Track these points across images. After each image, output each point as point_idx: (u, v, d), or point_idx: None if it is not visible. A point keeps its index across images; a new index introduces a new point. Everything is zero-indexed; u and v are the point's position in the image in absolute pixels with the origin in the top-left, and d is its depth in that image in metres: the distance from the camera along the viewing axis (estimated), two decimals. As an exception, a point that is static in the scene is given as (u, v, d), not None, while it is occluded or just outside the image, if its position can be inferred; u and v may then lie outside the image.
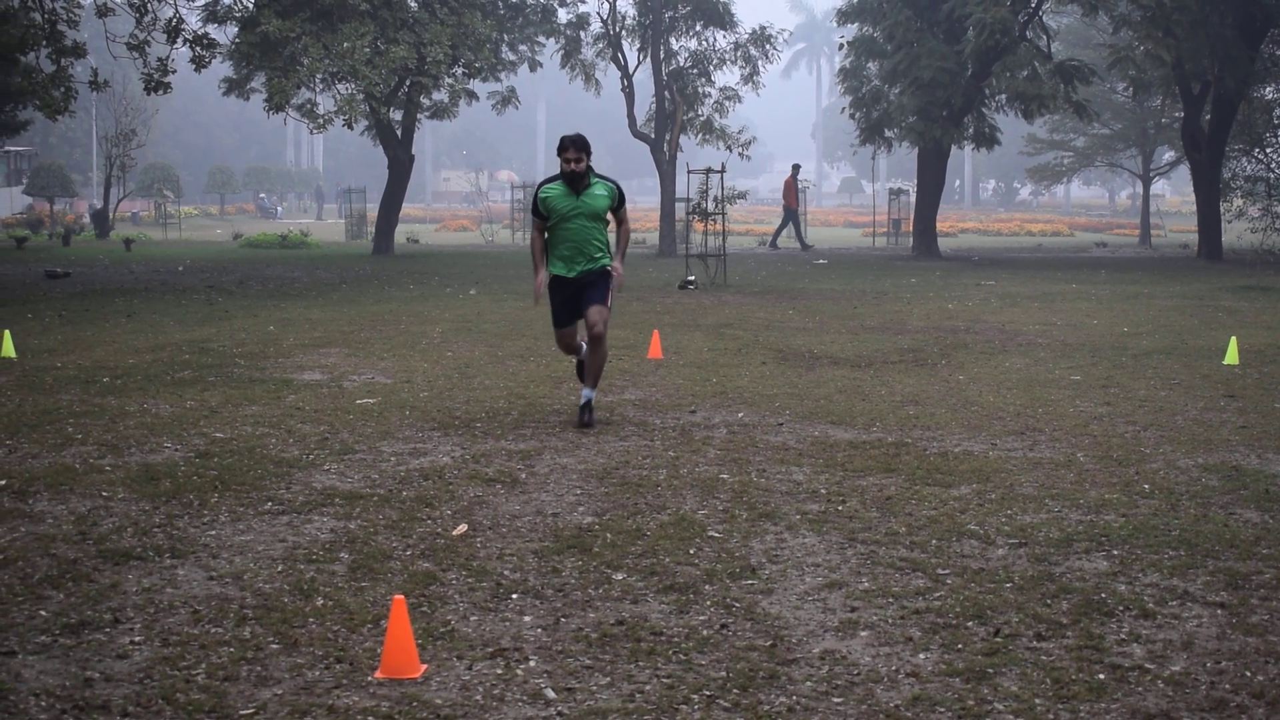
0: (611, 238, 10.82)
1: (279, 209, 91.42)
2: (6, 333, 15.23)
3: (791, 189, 43.24)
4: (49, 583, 6.29)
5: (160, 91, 29.93)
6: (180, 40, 30.40)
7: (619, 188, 10.64)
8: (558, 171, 10.50)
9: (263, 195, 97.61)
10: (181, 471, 8.77)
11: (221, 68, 38.36)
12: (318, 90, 36.16)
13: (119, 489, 8.27)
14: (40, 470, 8.79)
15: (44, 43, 28.78)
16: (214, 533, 7.25)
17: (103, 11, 28.89)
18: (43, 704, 4.86)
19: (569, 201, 10.39)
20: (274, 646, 5.47)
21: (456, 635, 5.65)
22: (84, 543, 7.01)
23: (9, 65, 31.15)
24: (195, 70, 31.51)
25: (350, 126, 32.37)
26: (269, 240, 46.74)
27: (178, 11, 30.13)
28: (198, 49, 30.50)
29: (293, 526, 7.42)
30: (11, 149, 63.25)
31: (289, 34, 29.39)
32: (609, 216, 10.65)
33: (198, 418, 10.86)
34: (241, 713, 4.81)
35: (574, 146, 10.31)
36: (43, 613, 5.85)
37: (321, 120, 31.85)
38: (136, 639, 5.54)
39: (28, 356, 14.70)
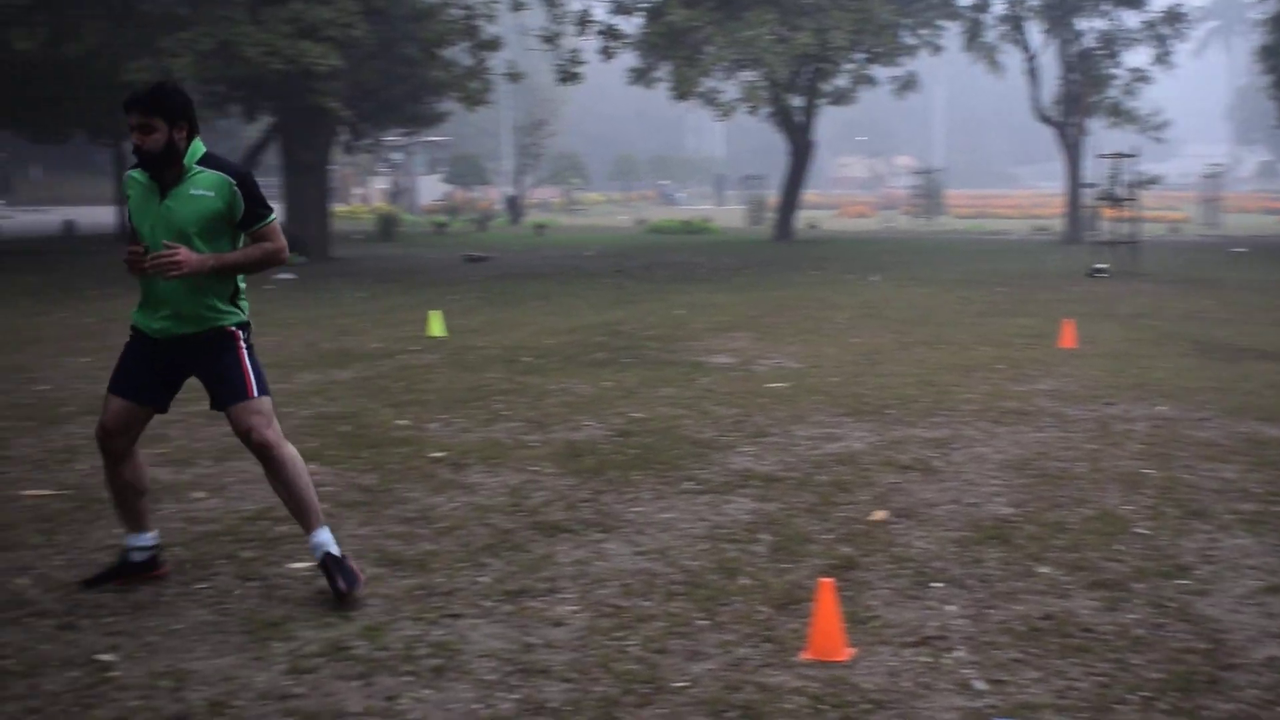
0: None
1: (680, 195, 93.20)
2: (439, 313, 16.08)
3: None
4: (488, 551, 6.60)
5: (571, 82, 30.94)
6: (590, 32, 31.39)
7: (244, 182, 5.86)
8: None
9: (664, 182, 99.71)
10: (603, 449, 9.05)
11: (626, 58, 39.33)
12: (721, 78, 36.63)
13: (546, 464, 8.60)
14: (473, 444, 9.23)
15: (463, 37, 30.17)
16: (638, 509, 7.45)
17: (517, 6, 30.06)
18: (489, 665, 5.10)
19: (148, 204, 5.85)
20: (701, 622, 5.58)
21: (881, 621, 5.64)
22: (517, 514, 7.32)
23: (430, 59, 32.73)
24: (603, 61, 32.47)
25: (754, 113, 32.70)
26: (672, 226, 47.73)
27: (587, 5, 31.06)
28: (606, 40, 31.45)
29: (713, 506, 7.55)
30: (431, 139, 66.49)
31: (694, 23, 29.89)
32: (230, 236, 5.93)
33: (615, 398, 11.18)
34: (674, 684, 4.93)
35: (140, 106, 5.71)
36: (484, 579, 6.14)
37: (726, 108, 32.26)
38: (572, 608, 5.75)
39: (455, 336, 15.47)
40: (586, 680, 4.96)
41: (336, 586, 5.80)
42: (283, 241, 6.02)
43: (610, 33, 31.33)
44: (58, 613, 5.69)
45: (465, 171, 69.30)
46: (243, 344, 5.97)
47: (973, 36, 40.97)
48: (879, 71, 41.84)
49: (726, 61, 31.91)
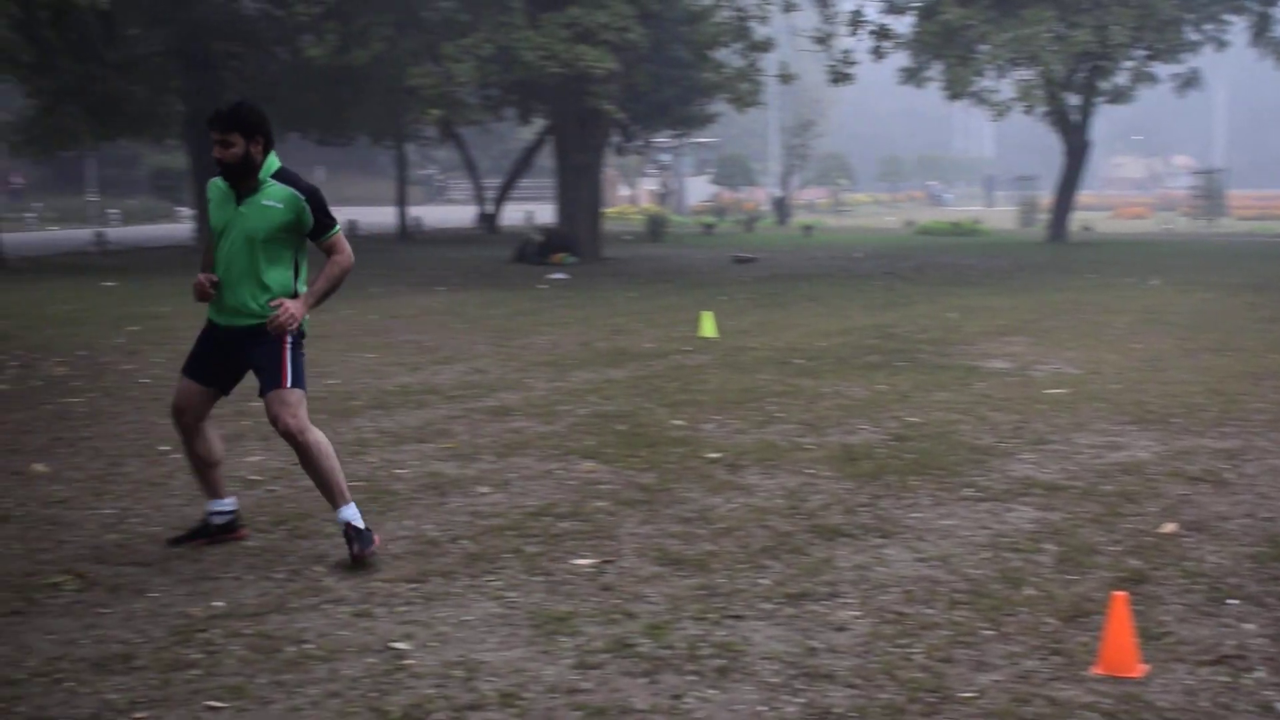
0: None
1: (948, 196, 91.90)
2: (710, 314, 16.18)
3: None
4: (767, 553, 6.60)
5: (843, 83, 30.78)
6: (862, 32, 31.19)
7: (312, 198, 6.51)
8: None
9: (932, 182, 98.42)
10: (880, 453, 8.98)
11: (897, 58, 38.94)
12: (994, 77, 35.97)
13: (822, 467, 8.57)
14: (749, 445, 9.25)
15: (735, 39, 30.27)
16: (917, 515, 7.36)
17: (788, 7, 30.04)
18: (772, 667, 5.10)
19: (226, 209, 6.61)
20: (987, 633, 5.49)
21: (1175, 637, 5.46)
22: (795, 517, 7.31)
23: (702, 61, 32.92)
24: (874, 60, 32.22)
25: (1029, 113, 32.04)
26: (941, 227, 47.09)
27: (859, 4, 30.87)
28: (877, 40, 31.20)
29: (994, 514, 7.42)
30: (700, 140, 66.88)
31: (969, 21, 29.44)
32: (293, 244, 6.63)
33: (889, 401, 11.08)
34: (961, 695, 4.86)
35: (222, 123, 6.46)
36: (764, 581, 6.15)
37: (1000, 108, 31.68)
38: (854, 613, 5.72)
39: (726, 337, 15.53)
40: (871, 687, 4.92)
41: (352, 550, 6.43)
42: (347, 249, 6.65)
43: (882, 32, 31.07)
44: (353, 600, 5.90)
45: (732, 172, 69.57)
46: (289, 342, 6.54)
47: (1260, 31, 39.32)
48: (1159, 68, 40.53)
49: (1001, 60, 31.34)
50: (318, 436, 6.58)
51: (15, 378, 12.55)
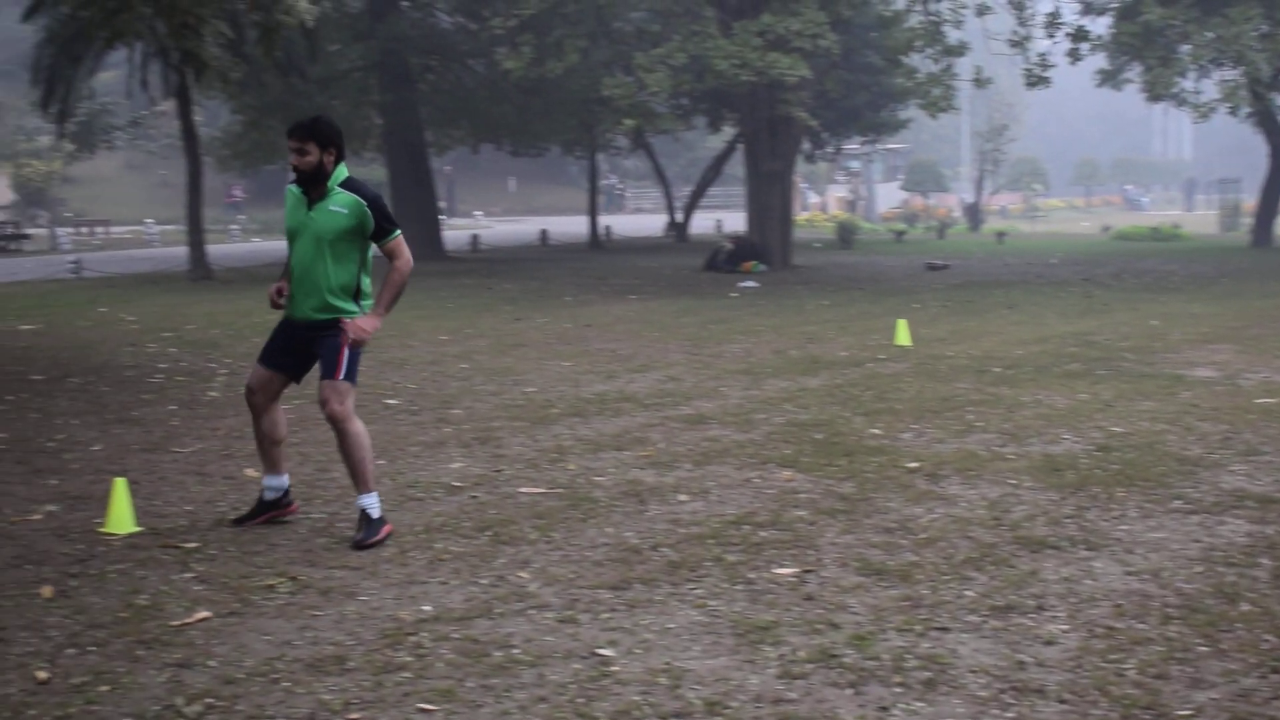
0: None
1: (1145, 200, 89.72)
2: (903, 322, 16.04)
3: None
4: (971, 564, 6.51)
5: (1040, 86, 30.25)
6: (1059, 34, 30.62)
7: (375, 204, 7.12)
8: None
9: (1128, 187, 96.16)
10: (1083, 464, 8.80)
11: (1093, 60, 38.14)
12: (1196, 78, 35.00)
13: (1024, 477, 8.43)
14: (948, 455, 9.15)
15: (928, 43, 29.93)
16: (1125, 528, 7.20)
17: (982, 10, 29.61)
18: (980, 681, 5.03)
19: (299, 213, 7.24)
20: (1202, 649, 5.34)
21: None
22: (998, 528, 7.20)
23: (894, 67, 32.60)
24: (1070, 63, 31.60)
25: (1233, 114, 31.11)
26: (1139, 233, 45.98)
27: (1058, 6, 30.30)
28: (1075, 42, 30.60)
29: (1205, 527, 7.22)
30: (889, 146, 66.34)
31: (1171, 21, 28.69)
32: (358, 245, 7.24)
33: (1092, 410, 10.85)
34: (1178, 713, 4.73)
35: (299, 133, 7.13)
36: (969, 593, 6.07)
37: (1203, 109, 30.82)
38: (1062, 627, 5.61)
39: (921, 345, 15.37)
40: (1083, 703, 4.82)
41: (358, 535, 7.06)
42: (406, 254, 7.24)
43: (1079, 34, 30.45)
44: (557, 606, 5.97)
45: (923, 178, 68.85)
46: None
47: None
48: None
49: (1204, 60, 30.47)
50: (359, 427, 7.23)
51: (225, 385, 12.95)
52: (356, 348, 7.17)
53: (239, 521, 7.47)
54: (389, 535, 7.12)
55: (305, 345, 7.30)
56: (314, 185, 7.13)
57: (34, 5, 27.20)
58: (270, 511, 7.50)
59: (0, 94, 70.94)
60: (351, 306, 7.22)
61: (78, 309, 21.73)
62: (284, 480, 7.54)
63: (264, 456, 7.54)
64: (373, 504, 7.16)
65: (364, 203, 7.07)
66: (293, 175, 7.21)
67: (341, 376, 7.14)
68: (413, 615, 5.85)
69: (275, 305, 7.39)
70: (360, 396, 11.90)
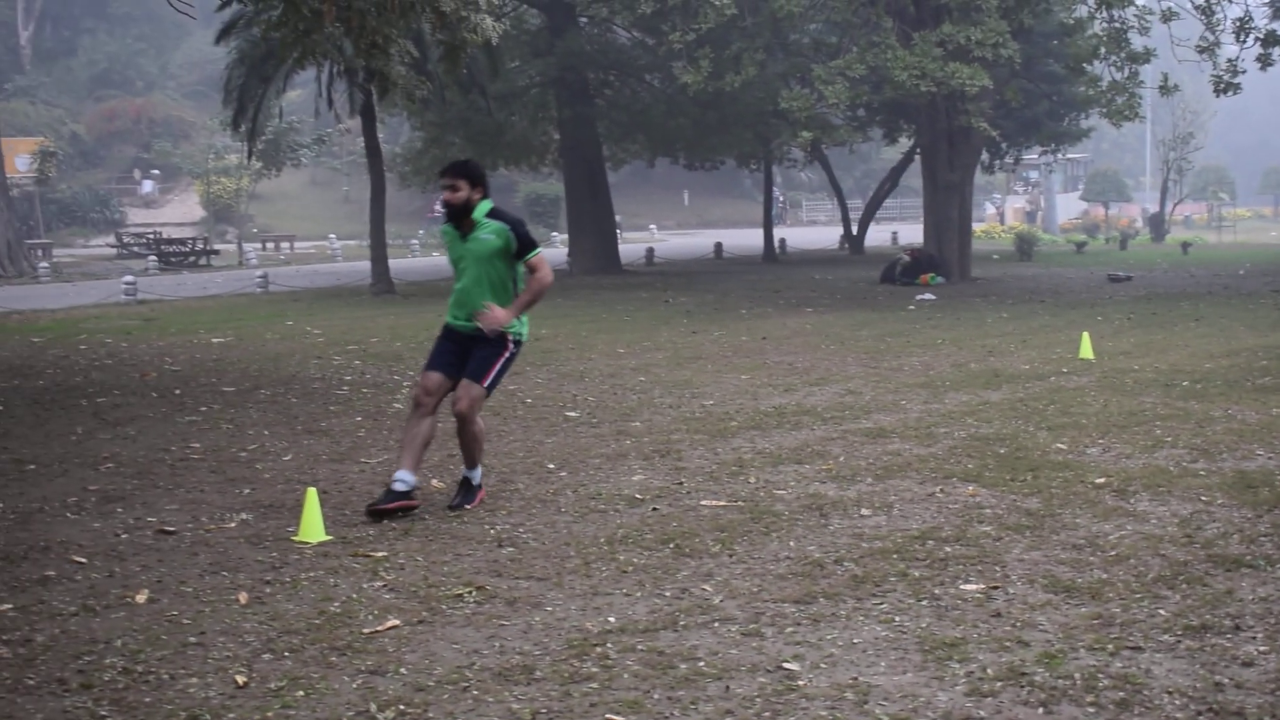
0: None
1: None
2: (1086, 335, 15.75)
3: None
4: (1163, 583, 6.37)
5: (1230, 93, 29.46)
6: (1249, 39, 29.79)
7: (517, 227, 8.31)
8: None
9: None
10: (1278, 480, 8.55)
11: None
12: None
13: (1216, 494, 8.22)
14: (1136, 470, 8.96)
15: (1112, 50, 29.32)
16: (1326, 547, 6.99)
17: (1168, 16, 28.94)
18: (1176, 702, 4.92)
19: (457, 245, 8.45)
20: None
21: None
22: (1191, 545, 7.04)
23: (1076, 75, 32.00)
24: (1260, 69, 30.72)
25: None
26: (1332, 242, 44.57)
27: (1248, 10, 29.47)
28: (1265, 47, 29.74)
29: None
30: (1070, 156, 65.16)
31: (1367, 23, 27.73)
32: (510, 264, 8.36)
33: (1287, 426, 10.55)
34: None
35: (450, 173, 8.37)
36: (1162, 612, 5.94)
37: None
38: (1261, 648, 5.46)
39: (1104, 358, 15.08)
40: (1285, 726, 4.70)
41: (457, 497, 8.43)
42: (547, 268, 8.34)
43: (1270, 38, 29.58)
44: (742, 620, 5.97)
45: (1104, 188, 67.42)
46: (508, 351, 8.37)
47: None
48: None
49: None
50: (481, 426, 8.43)
51: (409, 397, 13.20)
52: (490, 326, 8.16)
53: (372, 510, 8.08)
54: (481, 500, 8.42)
55: (467, 350, 8.35)
56: (462, 217, 8.29)
57: (227, 27, 28.06)
58: (397, 500, 8.09)
59: (192, 114, 73.35)
60: (511, 323, 8.30)
61: (265, 322, 22.35)
62: (415, 479, 8.21)
63: (408, 449, 8.24)
64: (478, 476, 8.50)
65: (508, 227, 8.26)
66: (443, 211, 8.45)
67: (485, 384, 8.26)
68: (598, 626, 5.91)
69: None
70: (540, 409, 12.14)
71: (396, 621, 6.02)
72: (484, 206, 8.31)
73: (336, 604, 6.31)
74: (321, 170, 69.00)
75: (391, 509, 8.00)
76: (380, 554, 7.20)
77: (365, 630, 5.90)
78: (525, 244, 8.28)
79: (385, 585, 6.62)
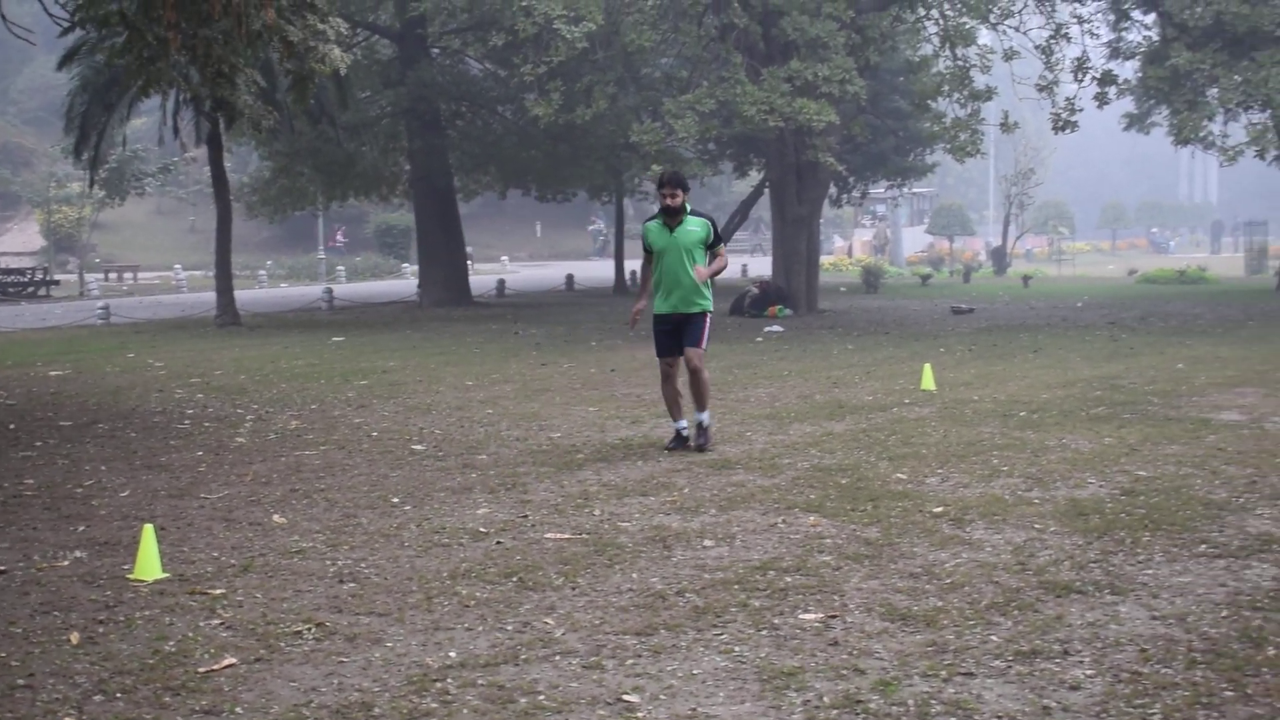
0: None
1: (1171, 244, 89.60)
2: (928, 366, 16.04)
3: None
4: (995, 609, 6.51)
5: (1067, 130, 30.29)
6: (1086, 79, 30.67)
7: (713, 223, 11.53)
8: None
9: (1154, 230, 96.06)
10: (1109, 508, 8.79)
11: (1120, 103, 38.20)
12: (1224, 121, 34.96)
13: (1049, 522, 8.43)
14: (973, 499, 9.15)
15: (955, 88, 29.97)
16: (1150, 572, 7.19)
17: (1009, 55, 29.68)
18: (1005, 727, 5.03)
19: (665, 237, 11.30)
20: (1228, 693, 5.33)
21: None
22: (1023, 573, 7.20)
23: (921, 111, 32.65)
24: (1097, 107, 31.64)
25: (1261, 157, 31.06)
26: (1165, 276, 45.94)
27: (1085, 51, 30.33)
28: (1102, 86, 30.64)
29: (1231, 571, 7.20)
30: (916, 190, 66.41)
31: (1199, 65, 28.70)
32: (706, 251, 11.40)
33: (1118, 454, 10.84)
34: (1203, 759, 4.73)
35: (671, 183, 11.28)
36: (994, 638, 6.06)
37: (1230, 153, 30.77)
38: (1088, 672, 5.60)
39: (946, 389, 15.37)
40: (1109, 748, 4.82)
41: (698, 439, 11.38)
42: (725, 253, 11.63)
43: (1106, 78, 30.47)
44: (583, 652, 5.98)
45: (949, 222, 68.81)
46: (708, 320, 11.46)
47: None
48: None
49: (1231, 104, 30.43)
50: (708, 376, 11.51)
51: (252, 430, 13.03)
52: (700, 278, 11.26)
53: (670, 448, 11.37)
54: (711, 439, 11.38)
55: (679, 329, 11.36)
56: (676, 215, 11.26)
57: (70, 53, 27.50)
58: (684, 444, 11.34)
59: (33, 140, 71.69)
60: (705, 297, 11.39)
61: (106, 355, 21.90)
62: (684, 422, 11.42)
63: (672, 406, 11.46)
64: (708, 418, 11.46)
65: (709, 222, 11.45)
66: (659, 210, 11.43)
67: (703, 345, 11.35)
68: (439, 661, 5.88)
69: (633, 324, 11.97)
70: (386, 442, 12.06)
71: (233, 660, 5.93)
72: (687, 207, 11.34)
73: (172, 643, 6.20)
74: (167, 199, 67.84)
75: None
76: (218, 591, 7.09)
77: (200, 669, 5.80)
78: (718, 235, 11.45)
79: (222, 623, 6.52)
